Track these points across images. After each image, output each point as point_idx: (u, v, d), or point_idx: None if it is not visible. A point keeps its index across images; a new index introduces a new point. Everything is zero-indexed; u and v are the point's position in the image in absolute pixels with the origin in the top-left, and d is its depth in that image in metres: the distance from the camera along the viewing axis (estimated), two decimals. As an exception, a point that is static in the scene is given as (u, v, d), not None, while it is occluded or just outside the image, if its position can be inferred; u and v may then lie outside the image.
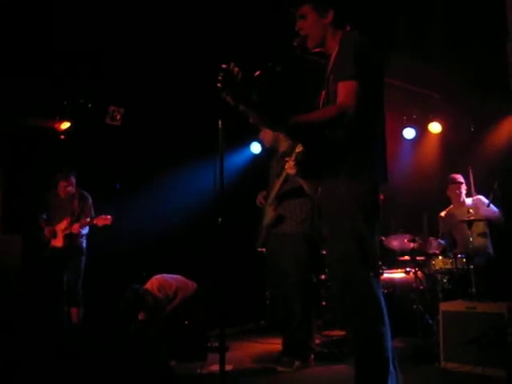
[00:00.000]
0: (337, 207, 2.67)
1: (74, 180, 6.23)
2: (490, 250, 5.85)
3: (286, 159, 4.46)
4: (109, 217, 5.90)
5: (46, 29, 5.57)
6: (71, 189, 6.20)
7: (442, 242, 6.07)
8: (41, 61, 5.95)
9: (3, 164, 6.59)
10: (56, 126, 6.80)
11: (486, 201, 5.75)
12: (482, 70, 6.20)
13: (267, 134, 4.83)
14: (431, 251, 5.92)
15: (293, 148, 4.32)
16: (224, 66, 2.50)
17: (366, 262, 2.58)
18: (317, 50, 2.86)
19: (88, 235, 6.22)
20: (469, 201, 6.06)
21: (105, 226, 5.93)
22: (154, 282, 5.32)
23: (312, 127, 2.61)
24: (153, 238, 7.01)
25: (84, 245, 6.20)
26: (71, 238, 6.06)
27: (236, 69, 2.51)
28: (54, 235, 6.12)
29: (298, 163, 4.24)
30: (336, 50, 2.73)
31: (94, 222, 5.95)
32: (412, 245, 5.83)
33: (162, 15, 5.64)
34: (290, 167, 4.43)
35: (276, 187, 4.67)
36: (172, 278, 5.44)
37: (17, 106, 6.36)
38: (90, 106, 6.82)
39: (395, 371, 2.58)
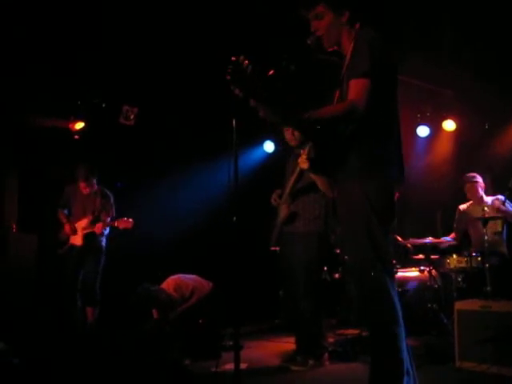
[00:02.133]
0: (350, 207, 2.66)
1: (94, 181, 6.10)
2: (505, 249, 5.80)
3: (301, 152, 4.42)
4: (130, 220, 5.77)
5: (59, 29, 5.60)
6: (91, 189, 6.07)
7: (449, 239, 6.08)
8: (55, 61, 5.98)
9: (19, 164, 6.62)
10: (70, 125, 6.80)
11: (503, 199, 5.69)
12: (495, 67, 6.16)
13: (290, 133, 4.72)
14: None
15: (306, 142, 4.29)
16: (233, 58, 2.49)
17: (380, 263, 2.56)
18: (332, 49, 2.84)
19: (108, 235, 6.11)
20: (488, 199, 6.00)
21: (125, 230, 5.81)
22: (170, 283, 5.34)
23: (322, 122, 2.61)
24: (167, 237, 7.02)
25: (104, 244, 6.06)
26: (91, 238, 5.94)
27: (246, 61, 2.50)
28: (74, 232, 6.01)
29: (310, 158, 4.24)
30: (351, 48, 2.70)
31: (116, 224, 5.81)
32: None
33: (175, 14, 5.65)
34: (302, 161, 4.39)
35: (290, 184, 4.61)
36: (188, 278, 5.46)
37: (32, 106, 6.40)
38: (103, 105, 6.85)
39: (412, 372, 2.57)
